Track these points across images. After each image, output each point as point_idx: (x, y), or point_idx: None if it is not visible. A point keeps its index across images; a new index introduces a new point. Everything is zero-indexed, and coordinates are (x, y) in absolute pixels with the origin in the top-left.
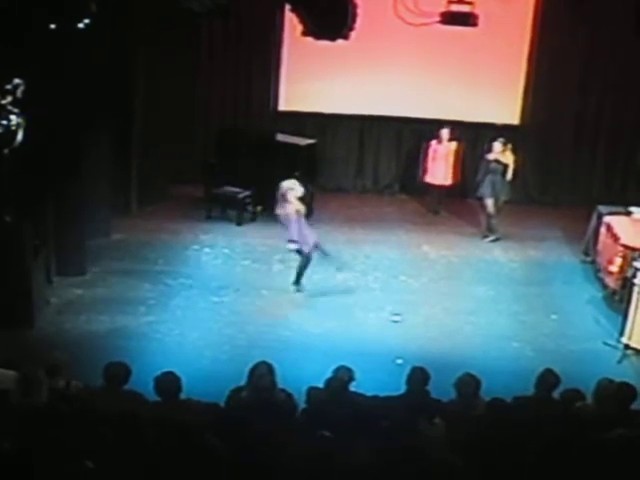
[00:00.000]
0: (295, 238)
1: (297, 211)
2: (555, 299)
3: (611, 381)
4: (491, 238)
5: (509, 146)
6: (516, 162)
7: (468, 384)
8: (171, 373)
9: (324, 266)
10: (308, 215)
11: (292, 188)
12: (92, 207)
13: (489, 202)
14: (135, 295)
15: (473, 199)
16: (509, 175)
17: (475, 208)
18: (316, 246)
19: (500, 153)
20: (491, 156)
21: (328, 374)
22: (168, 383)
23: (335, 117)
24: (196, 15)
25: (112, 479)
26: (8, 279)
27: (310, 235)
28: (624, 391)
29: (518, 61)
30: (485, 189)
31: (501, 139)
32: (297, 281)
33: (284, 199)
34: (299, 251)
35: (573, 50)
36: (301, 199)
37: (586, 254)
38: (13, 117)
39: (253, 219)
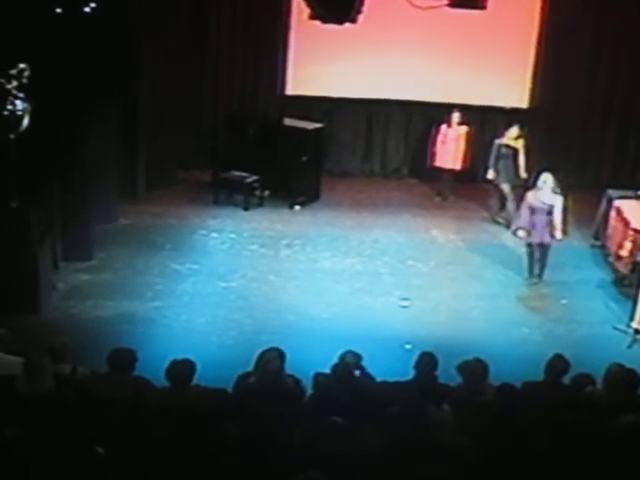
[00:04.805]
0: (523, 226)
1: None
2: (564, 284)
3: (621, 366)
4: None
5: (524, 131)
6: (525, 147)
7: (475, 369)
8: (188, 360)
9: (332, 251)
10: (314, 199)
11: (545, 181)
12: (99, 192)
13: (505, 187)
14: (142, 280)
15: (482, 184)
16: (521, 159)
17: (484, 193)
18: (530, 245)
19: (512, 138)
20: (502, 140)
21: (336, 359)
22: (183, 369)
23: (343, 101)
24: None
25: (119, 465)
26: (14, 265)
27: (536, 232)
28: (632, 376)
29: (527, 44)
30: (500, 175)
31: (517, 124)
32: (540, 274)
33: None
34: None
35: (583, 32)
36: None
37: (596, 238)
38: (19, 102)
39: (260, 204)
